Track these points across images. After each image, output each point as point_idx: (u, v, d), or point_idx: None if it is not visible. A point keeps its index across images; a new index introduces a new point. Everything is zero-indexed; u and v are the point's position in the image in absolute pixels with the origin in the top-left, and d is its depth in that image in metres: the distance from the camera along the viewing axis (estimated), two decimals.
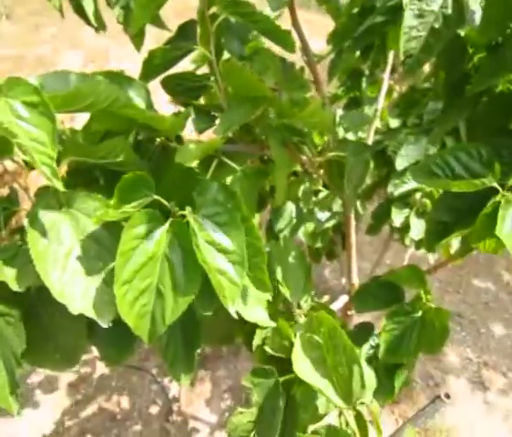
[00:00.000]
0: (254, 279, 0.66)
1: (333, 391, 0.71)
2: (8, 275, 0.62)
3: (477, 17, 0.93)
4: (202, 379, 2.31)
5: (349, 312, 1.90)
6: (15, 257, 0.64)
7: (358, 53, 1.47)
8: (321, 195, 1.55)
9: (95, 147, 0.65)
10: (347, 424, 0.76)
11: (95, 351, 2.37)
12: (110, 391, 2.24)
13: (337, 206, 1.70)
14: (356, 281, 1.79)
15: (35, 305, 0.68)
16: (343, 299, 1.89)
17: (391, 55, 1.51)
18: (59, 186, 0.56)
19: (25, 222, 0.61)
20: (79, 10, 1.14)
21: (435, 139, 1.25)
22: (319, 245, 1.79)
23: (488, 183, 0.72)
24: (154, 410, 2.19)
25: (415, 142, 1.50)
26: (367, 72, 1.69)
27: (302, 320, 0.86)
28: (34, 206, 0.63)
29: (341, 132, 1.14)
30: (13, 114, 0.55)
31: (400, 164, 1.52)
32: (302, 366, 0.71)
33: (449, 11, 0.88)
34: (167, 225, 0.61)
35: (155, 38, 1.31)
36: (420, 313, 0.95)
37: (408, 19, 0.87)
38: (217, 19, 0.70)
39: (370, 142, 1.41)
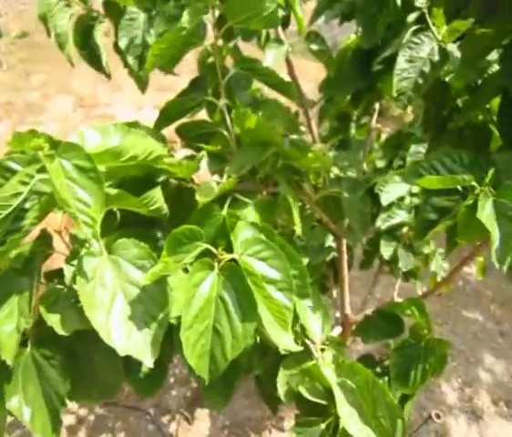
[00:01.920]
0: (299, 295, 0.73)
1: None
2: (53, 320, 0.67)
3: (457, 62, 1.05)
4: (199, 417, 2.31)
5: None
6: (57, 302, 0.69)
7: (347, 98, 1.60)
8: (314, 231, 1.61)
9: (136, 197, 0.70)
10: None
11: None
12: (108, 432, 2.22)
13: (329, 241, 1.78)
14: (350, 312, 1.85)
15: (75, 345, 0.73)
16: (337, 330, 1.94)
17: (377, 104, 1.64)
18: (98, 246, 0.62)
19: (66, 267, 0.66)
20: (93, 59, 1.20)
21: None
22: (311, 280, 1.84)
23: (468, 181, 0.81)
24: None
25: (400, 181, 1.62)
26: (355, 117, 1.81)
27: (317, 355, 0.90)
28: (75, 251, 0.68)
29: (334, 171, 1.22)
30: (64, 174, 0.61)
31: (386, 200, 1.64)
32: (345, 413, 0.77)
33: (436, 57, 1.01)
34: (216, 269, 0.67)
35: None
36: (423, 344, 1.02)
37: (400, 63, 1.03)
38: (227, 73, 0.79)
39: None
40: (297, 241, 1.57)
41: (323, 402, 0.84)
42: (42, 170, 0.63)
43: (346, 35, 1.66)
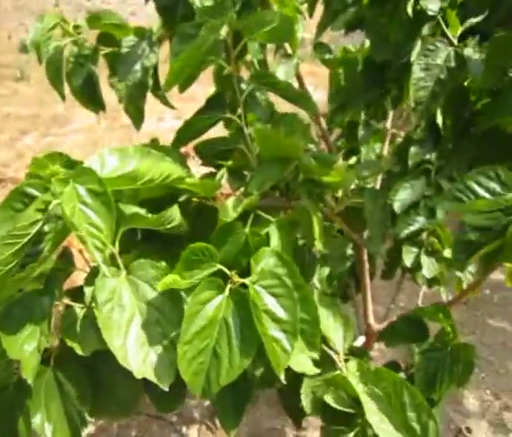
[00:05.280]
0: (306, 342, 0.72)
1: None
2: (73, 341, 0.69)
3: (476, 67, 1.02)
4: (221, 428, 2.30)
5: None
6: (76, 322, 0.71)
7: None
8: (335, 241, 1.60)
9: (155, 216, 0.71)
10: None
11: None
12: None
13: (350, 249, 1.76)
14: (373, 322, 1.82)
15: (95, 363, 0.73)
16: (361, 339, 1.92)
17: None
18: (107, 272, 0.63)
19: (86, 287, 0.67)
20: (85, 91, 1.21)
21: (445, 176, 1.33)
22: (331, 290, 1.83)
23: (510, 201, 0.78)
24: None
25: (410, 186, 1.59)
26: (363, 123, 1.79)
27: (341, 365, 0.90)
28: (93, 271, 0.69)
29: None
30: (78, 198, 0.62)
31: (398, 208, 1.61)
32: (375, 420, 0.77)
33: (452, 64, 0.98)
34: (227, 292, 0.67)
35: None
36: (449, 349, 1.00)
37: (416, 72, 1.00)
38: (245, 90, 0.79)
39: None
40: (317, 253, 1.56)
41: (351, 411, 0.83)
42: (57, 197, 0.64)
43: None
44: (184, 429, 2.29)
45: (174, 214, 0.72)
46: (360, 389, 0.80)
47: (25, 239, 0.62)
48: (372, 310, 1.82)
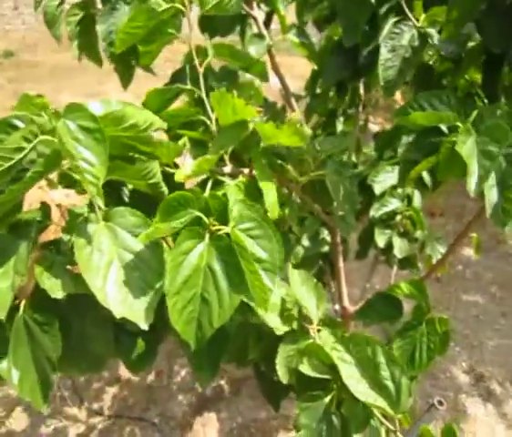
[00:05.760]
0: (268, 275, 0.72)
1: (385, 404, 0.78)
2: (47, 284, 0.68)
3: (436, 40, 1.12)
4: (206, 423, 2.29)
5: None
6: (52, 267, 0.70)
7: (332, 94, 1.64)
8: (307, 222, 1.61)
9: (136, 167, 0.71)
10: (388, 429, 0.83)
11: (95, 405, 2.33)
12: None
13: (324, 234, 1.77)
14: (348, 304, 1.84)
15: (67, 314, 0.73)
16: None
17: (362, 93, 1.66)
18: (101, 204, 0.64)
19: (63, 235, 0.68)
20: (89, 47, 1.21)
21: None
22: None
23: (453, 119, 0.83)
24: None
25: (391, 170, 1.64)
26: (341, 112, 1.84)
27: (313, 334, 0.92)
28: (72, 220, 0.69)
29: (321, 158, 1.21)
30: (70, 135, 0.62)
31: (378, 189, 1.66)
32: (351, 383, 0.79)
33: (416, 43, 1.09)
34: (206, 239, 0.68)
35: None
36: (424, 325, 1.02)
37: (384, 54, 1.10)
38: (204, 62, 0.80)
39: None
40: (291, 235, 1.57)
41: (326, 377, 0.85)
42: (46, 132, 0.64)
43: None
44: (167, 429, 2.27)
45: (154, 169, 0.72)
46: (335, 355, 0.82)
47: (8, 164, 0.61)
48: (347, 293, 1.84)
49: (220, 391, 2.44)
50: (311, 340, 0.88)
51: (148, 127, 0.69)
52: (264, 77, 0.83)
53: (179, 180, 0.70)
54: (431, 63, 1.31)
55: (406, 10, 1.13)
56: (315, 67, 1.61)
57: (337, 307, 2.39)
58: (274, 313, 0.75)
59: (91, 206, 0.69)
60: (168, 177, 0.75)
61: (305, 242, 1.69)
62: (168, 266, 0.65)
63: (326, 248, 1.80)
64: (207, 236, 0.69)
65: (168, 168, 0.76)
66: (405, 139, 1.66)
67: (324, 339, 0.90)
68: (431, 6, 1.12)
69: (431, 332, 1.03)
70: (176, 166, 0.78)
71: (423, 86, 1.24)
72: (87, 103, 0.66)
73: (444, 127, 0.87)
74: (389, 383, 0.79)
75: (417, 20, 1.12)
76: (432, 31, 1.12)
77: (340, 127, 1.86)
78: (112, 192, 0.76)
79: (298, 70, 3.00)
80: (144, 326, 0.65)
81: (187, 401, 2.42)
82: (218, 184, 0.77)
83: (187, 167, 0.70)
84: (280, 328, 0.76)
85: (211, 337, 0.67)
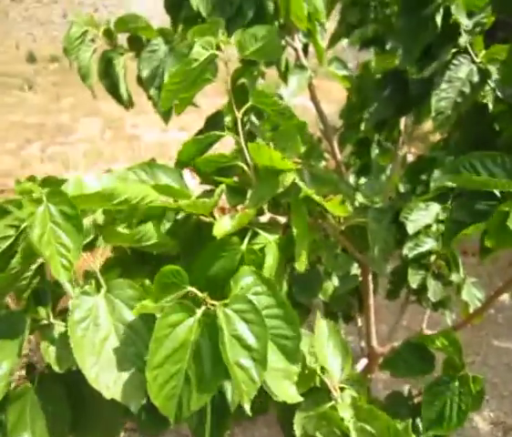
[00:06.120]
0: (288, 358, 0.69)
1: None
2: (51, 356, 0.68)
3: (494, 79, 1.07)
4: None
5: (369, 376, 1.88)
6: (56, 340, 0.71)
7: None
8: (340, 260, 1.57)
9: (130, 232, 0.72)
10: None
11: None
12: None
13: (354, 269, 1.73)
14: (375, 344, 1.79)
15: (78, 382, 0.71)
16: (363, 362, 1.88)
17: (403, 126, 1.61)
18: (71, 291, 0.66)
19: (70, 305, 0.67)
20: (113, 89, 1.23)
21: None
22: (336, 308, 1.80)
23: (508, 187, 0.77)
24: None
25: (425, 208, 1.57)
26: (376, 142, 1.79)
27: (336, 394, 0.86)
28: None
29: (359, 199, 1.19)
30: (50, 218, 0.64)
31: (412, 228, 1.58)
32: None
33: (475, 79, 1.04)
34: (199, 314, 0.65)
35: None
36: (457, 383, 0.96)
37: (439, 83, 1.05)
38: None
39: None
40: (321, 270, 1.53)
41: None
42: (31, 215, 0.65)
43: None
44: None
45: (150, 231, 0.72)
46: (351, 426, 0.77)
47: None
48: (375, 331, 1.79)
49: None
50: (331, 403, 0.84)
51: (142, 200, 0.70)
52: (304, 133, 0.82)
53: (218, 235, 0.68)
54: (484, 101, 1.25)
55: (467, 43, 1.08)
56: (351, 96, 1.57)
57: (363, 344, 2.33)
58: (289, 380, 0.70)
59: (88, 275, 0.71)
60: (202, 226, 0.74)
61: (335, 279, 1.65)
62: (152, 337, 0.63)
63: (355, 283, 1.76)
64: (200, 310, 0.65)
65: (203, 218, 0.75)
66: (438, 173, 1.59)
67: (344, 404, 0.84)
68: (491, 44, 1.07)
69: (464, 392, 0.96)
70: (212, 215, 0.77)
71: (472, 125, 1.19)
72: (85, 179, 0.70)
73: (497, 191, 0.81)
74: None
75: (476, 55, 1.08)
76: (492, 68, 1.07)
77: (373, 155, 1.82)
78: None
79: (335, 95, 2.98)
80: (134, 408, 0.64)
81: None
82: (255, 235, 0.75)
83: (226, 223, 0.68)
84: (296, 399, 0.72)
85: (212, 408, 0.66)
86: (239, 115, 0.83)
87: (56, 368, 0.67)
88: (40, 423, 0.70)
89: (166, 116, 1.10)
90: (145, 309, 0.64)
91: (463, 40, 1.09)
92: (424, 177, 1.59)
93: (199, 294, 0.66)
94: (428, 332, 1.56)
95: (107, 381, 0.64)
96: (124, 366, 0.65)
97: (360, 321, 2.16)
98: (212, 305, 0.65)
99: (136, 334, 0.67)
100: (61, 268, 0.62)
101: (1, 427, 0.71)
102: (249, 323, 0.64)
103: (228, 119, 0.88)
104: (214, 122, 0.93)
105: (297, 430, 0.83)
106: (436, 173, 1.54)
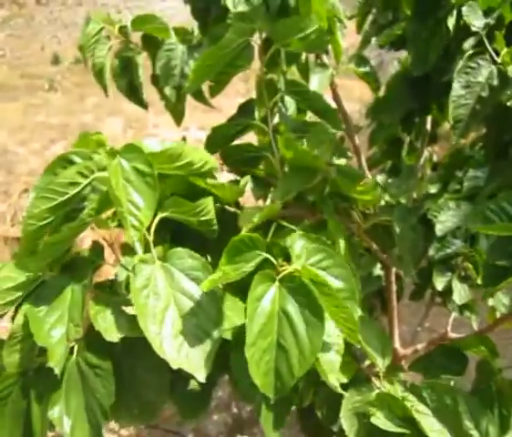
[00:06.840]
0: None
1: None
2: (102, 326, 0.65)
3: None
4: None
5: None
6: (107, 308, 0.67)
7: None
8: (363, 261, 1.55)
9: (192, 204, 0.70)
10: None
11: None
12: None
13: (377, 270, 1.70)
14: (399, 346, 1.76)
15: (121, 359, 0.70)
16: None
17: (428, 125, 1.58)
18: (140, 250, 0.62)
19: (119, 274, 0.67)
20: (131, 91, 1.23)
21: (480, 203, 1.27)
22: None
23: None
24: None
25: (456, 208, 1.52)
26: (407, 141, 1.75)
27: (379, 384, 0.86)
28: (124, 264, 0.68)
29: (385, 197, 1.17)
30: (122, 174, 0.62)
31: (440, 230, 1.54)
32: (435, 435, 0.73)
33: (495, 82, 0.97)
34: (277, 282, 0.65)
35: None
36: (494, 388, 0.93)
37: (456, 89, 0.98)
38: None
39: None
40: None
41: (405, 431, 0.76)
42: (102, 169, 0.64)
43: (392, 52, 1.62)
44: None
45: (209, 206, 0.70)
46: (408, 405, 0.75)
47: (63, 198, 0.61)
48: (398, 333, 1.75)
49: (256, 415, 2.39)
50: (380, 390, 0.83)
51: (203, 166, 0.68)
52: (337, 126, 0.80)
53: (245, 227, 0.67)
54: (508, 104, 1.21)
55: (486, 42, 1.02)
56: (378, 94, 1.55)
57: None
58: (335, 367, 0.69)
59: (146, 245, 0.66)
60: (227, 216, 0.73)
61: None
62: (247, 313, 0.62)
63: (379, 285, 1.74)
64: (277, 278, 0.65)
65: (228, 207, 0.74)
66: (473, 173, 1.55)
67: (394, 388, 0.84)
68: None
69: (502, 401, 0.91)
70: (237, 205, 0.76)
71: (494, 128, 1.15)
72: (145, 140, 0.66)
73: None
74: (475, 433, 0.72)
75: (497, 54, 1.01)
76: None
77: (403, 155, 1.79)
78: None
79: (356, 93, 2.94)
80: (201, 378, 0.62)
81: (222, 420, 2.39)
82: (279, 227, 0.74)
83: (253, 214, 0.67)
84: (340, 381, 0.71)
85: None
86: (269, 105, 0.82)
87: (108, 337, 0.64)
88: (76, 398, 0.67)
89: (178, 117, 1.10)
90: (214, 284, 0.63)
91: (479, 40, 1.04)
92: (459, 173, 1.55)
93: (274, 260, 0.66)
94: (453, 335, 1.53)
95: (172, 350, 0.62)
96: (186, 336, 0.63)
97: (381, 321, 2.13)
98: (286, 270, 0.65)
99: (197, 305, 0.65)
100: (131, 227, 0.60)
101: (38, 397, 0.67)
102: (328, 269, 0.65)
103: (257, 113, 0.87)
104: (245, 110, 0.91)
105: (345, 421, 0.82)
106: (471, 172, 1.50)
